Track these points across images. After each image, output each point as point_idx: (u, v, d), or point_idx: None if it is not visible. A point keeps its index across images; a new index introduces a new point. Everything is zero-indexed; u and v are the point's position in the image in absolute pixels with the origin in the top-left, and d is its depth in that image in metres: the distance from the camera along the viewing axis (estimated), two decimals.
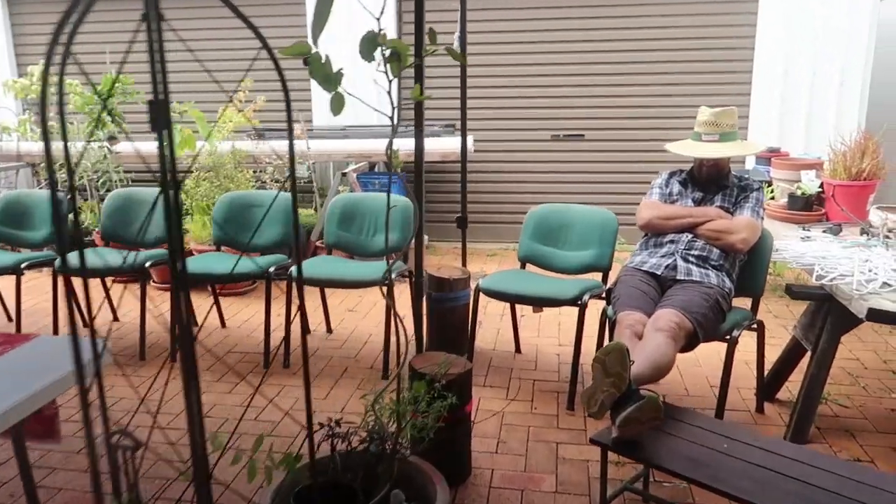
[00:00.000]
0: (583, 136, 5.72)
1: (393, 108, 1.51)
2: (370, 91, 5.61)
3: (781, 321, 4.03)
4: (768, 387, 3.05)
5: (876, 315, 2.29)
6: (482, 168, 5.91)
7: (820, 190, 3.54)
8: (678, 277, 2.69)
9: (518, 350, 3.64)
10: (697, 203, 2.88)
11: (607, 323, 2.87)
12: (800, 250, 2.88)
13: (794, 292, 2.66)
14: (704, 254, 2.73)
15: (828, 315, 2.69)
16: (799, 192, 3.51)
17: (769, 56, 5.25)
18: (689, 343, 2.46)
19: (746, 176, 3.04)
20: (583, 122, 5.71)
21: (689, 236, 2.78)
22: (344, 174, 4.93)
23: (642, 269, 2.79)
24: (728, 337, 2.60)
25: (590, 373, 2.14)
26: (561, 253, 3.36)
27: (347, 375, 3.37)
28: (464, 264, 4.04)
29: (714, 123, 2.82)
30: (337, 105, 1.53)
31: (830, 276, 2.58)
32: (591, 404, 1.99)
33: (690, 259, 2.74)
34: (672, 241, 2.80)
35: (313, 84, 5.66)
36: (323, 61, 1.44)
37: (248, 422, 2.93)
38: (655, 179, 3.04)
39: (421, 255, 2.68)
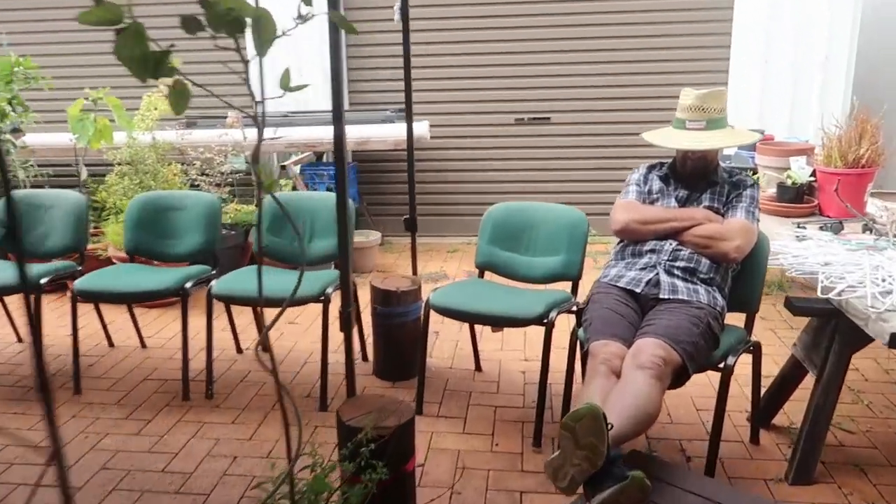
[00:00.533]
0: (549, 119, 5.25)
1: (256, 102, 1.03)
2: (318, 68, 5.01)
3: (769, 324, 3.65)
4: (764, 410, 2.65)
5: None
6: (440, 156, 5.41)
7: (812, 178, 3.14)
8: (661, 296, 2.24)
9: (478, 368, 3.20)
10: (682, 203, 2.43)
11: (578, 347, 2.43)
12: (798, 254, 2.47)
13: (795, 307, 2.25)
14: (692, 265, 2.29)
15: (835, 333, 2.29)
16: (789, 182, 3.11)
17: (749, 30, 4.83)
18: (677, 379, 2.02)
19: (738, 169, 2.61)
20: (549, 103, 5.24)
21: (674, 244, 2.33)
22: (283, 167, 4.40)
23: (618, 285, 2.32)
24: (722, 365, 2.18)
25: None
26: (524, 259, 2.90)
27: (280, 407, 2.89)
28: (414, 272, 3.56)
29: (700, 108, 2.36)
30: (177, 100, 1.04)
31: (838, 289, 2.18)
32: (558, 478, 1.56)
33: (675, 272, 2.29)
34: (653, 251, 2.35)
35: (252, 63, 5.09)
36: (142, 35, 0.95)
37: (154, 473, 2.45)
38: (631, 175, 2.57)
39: (348, 274, 2.20)
